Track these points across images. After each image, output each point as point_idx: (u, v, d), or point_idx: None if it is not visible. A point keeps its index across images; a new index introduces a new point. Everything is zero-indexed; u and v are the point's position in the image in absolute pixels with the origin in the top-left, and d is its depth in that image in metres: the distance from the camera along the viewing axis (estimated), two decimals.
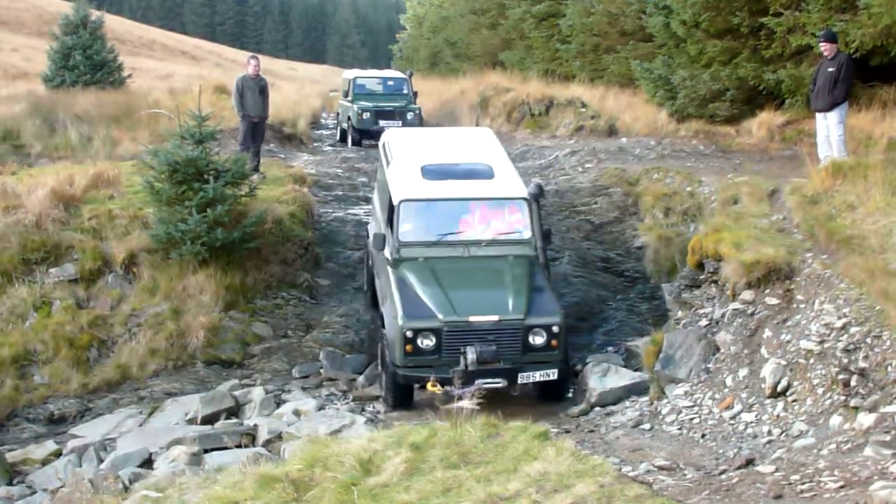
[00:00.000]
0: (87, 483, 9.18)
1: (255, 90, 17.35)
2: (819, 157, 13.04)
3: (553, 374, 10.68)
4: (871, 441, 7.32)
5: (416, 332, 10.44)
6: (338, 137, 27.20)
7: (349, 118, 25.76)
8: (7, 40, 48.16)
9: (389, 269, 11.37)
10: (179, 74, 39.77)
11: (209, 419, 11.07)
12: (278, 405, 11.35)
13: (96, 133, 20.89)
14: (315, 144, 25.73)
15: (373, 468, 6.10)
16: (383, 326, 11.25)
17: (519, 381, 10.59)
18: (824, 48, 13.07)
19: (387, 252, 11.55)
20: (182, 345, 13.11)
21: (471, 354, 10.35)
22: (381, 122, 25.17)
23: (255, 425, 10.59)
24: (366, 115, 25.18)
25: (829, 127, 13.02)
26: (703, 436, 9.22)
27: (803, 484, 6.45)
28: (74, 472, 9.88)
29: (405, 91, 26.87)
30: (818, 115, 13.29)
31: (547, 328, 10.73)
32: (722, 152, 18.13)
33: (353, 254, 15.86)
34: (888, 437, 7.38)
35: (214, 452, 9.79)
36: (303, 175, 18.48)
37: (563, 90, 25.10)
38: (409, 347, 10.43)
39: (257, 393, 11.64)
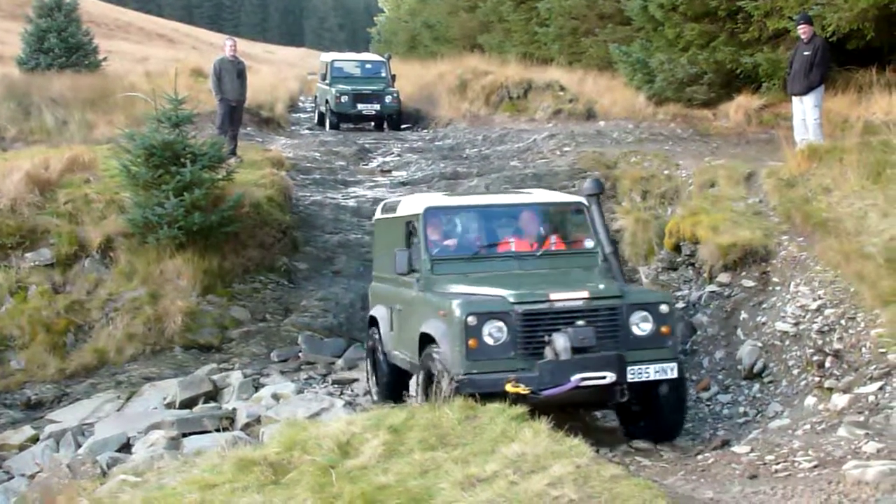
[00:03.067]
0: (65, 468, 9.18)
1: (232, 73, 17.27)
2: (795, 141, 13.12)
3: (672, 371, 8.14)
4: (845, 421, 7.43)
5: (481, 318, 7.96)
6: (315, 121, 27.11)
7: (327, 101, 25.67)
8: None
9: (422, 295, 9.04)
10: (156, 57, 39.45)
11: (187, 403, 11.07)
12: (257, 389, 11.36)
13: (72, 117, 20.72)
14: (293, 128, 25.65)
15: (351, 451, 6.13)
16: (423, 348, 8.74)
17: (628, 378, 7.98)
18: (802, 30, 13.14)
19: (415, 275, 9.22)
20: (160, 329, 13.09)
21: (562, 340, 7.89)
22: (360, 106, 25.18)
23: (234, 409, 10.60)
24: (344, 99, 25.11)
25: (805, 111, 13.11)
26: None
27: (778, 464, 6.54)
28: (52, 458, 9.87)
29: (383, 74, 26.81)
30: (794, 99, 13.37)
31: (653, 309, 8.36)
32: (699, 136, 18.18)
33: (332, 237, 15.85)
34: (861, 418, 7.48)
35: (193, 436, 9.80)
36: (280, 159, 18.41)
37: (541, 73, 25.09)
38: (472, 342, 7.89)
39: (236, 377, 11.64)
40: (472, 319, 7.94)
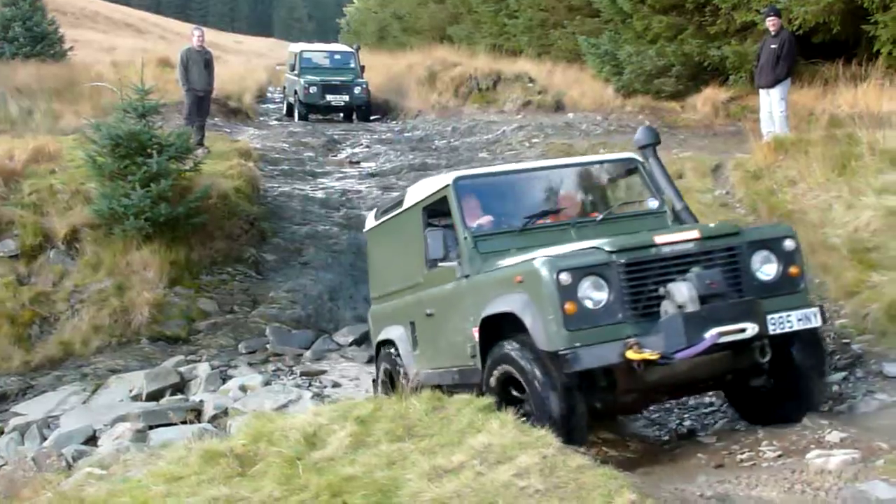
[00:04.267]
0: (30, 461, 9.13)
1: (200, 63, 17.15)
2: (762, 133, 13.22)
3: (815, 318, 6.66)
4: (809, 411, 7.48)
5: (577, 274, 6.29)
6: (284, 112, 27.03)
7: (296, 92, 25.60)
8: None
9: (473, 279, 7.38)
10: (123, 47, 39.10)
11: (154, 396, 11.03)
12: (224, 381, 11.32)
13: (37, 106, 20.51)
14: (261, 119, 25.54)
15: (318, 442, 6.11)
16: (486, 345, 7.08)
17: (769, 329, 6.47)
18: (771, 23, 13.24)
19: (456, 259, 7.59)
20: (126, 321, 13.00)
21: (685, 289, 6.31)
22: (328, 97, 25.18)
23: (201, 401, 10.57)
24: (312, 90, 25.08)
25: (771, 103, 13.22)
26: (647, 407, 9.34)
27: (743, 453, 6.57)
28: (17, 451, 9.82)
29: (352, 65, 26.78)
30: (761, 92, 13.48)
31: (776, 246, 6.84)
32: (667, 128, 18.23)
33: (300, 229, 15.78)
34: (825, 408, 7.54)
35: (160, 429, 9.76)
36: (248, 149, 18.33)
37: (510, 65, 25.12)
38: (570, 307, 6.25)
39: (203, 369, 11.60)
40: (565, 277, 6.29)
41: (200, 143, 16.79)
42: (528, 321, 6.49)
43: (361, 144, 21.45)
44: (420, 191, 8.48)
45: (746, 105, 17.04)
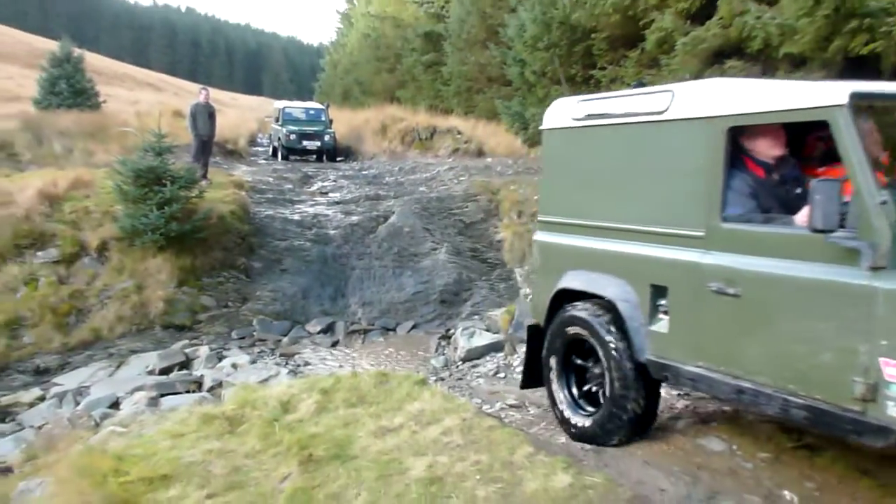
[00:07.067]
0: (66, 421, 8.93)
1: (205, 115, 17.00)
2: None
3: None
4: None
5: None
6: (270, 153, 26.79)
7: (279, 139, 25.43)
8: (3, 69, 45.86)
9: (877, 282, 3.46)
10: (145, 101, 38.40)
11: (165, 371, 10.87)
12: (220, 360, 11.19)
13: (76, 146, 20.10)
14: (252, 158, 25.24)
15: (290, 408, 6.06)
16: None
17: None
18: None
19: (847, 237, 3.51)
20: (144, 313, 12.79)
21: None
22: (304, 142, 25.04)
23: (201, 375, 10.44)
24: (292, 136, 24.95)
25: None
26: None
27: None
28: (56, 413, 9.59)
29: (323, 118, 26.67)
30: None
31: None
32: None
33: (281, 243, 15.63)
34: None
35: (169, 397, 9.63)
36: (241, 182, 18.14)
37: (444, 121, 25.22)
38: None
39: (203, 351, 11.46)
40: None
41: (204, 177, 16.60)
42: None
43: (329, 179, 21.30)
44: (725, 96, 4.14)
45: None
